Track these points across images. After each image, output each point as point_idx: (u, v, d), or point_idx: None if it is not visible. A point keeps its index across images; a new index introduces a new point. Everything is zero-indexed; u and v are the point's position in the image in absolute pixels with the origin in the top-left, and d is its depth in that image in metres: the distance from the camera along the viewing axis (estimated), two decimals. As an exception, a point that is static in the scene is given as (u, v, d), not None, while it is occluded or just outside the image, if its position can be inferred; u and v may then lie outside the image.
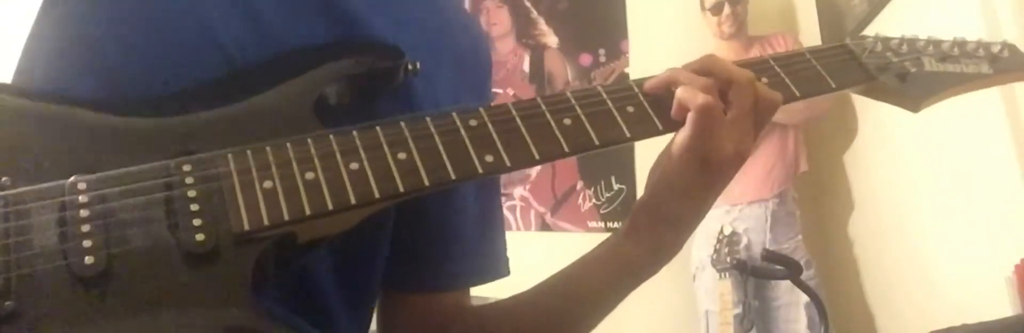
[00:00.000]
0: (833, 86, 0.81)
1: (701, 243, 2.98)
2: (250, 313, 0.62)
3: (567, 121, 0.72)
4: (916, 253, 2.56)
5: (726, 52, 3.32)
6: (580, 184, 3.46)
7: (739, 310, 2.77)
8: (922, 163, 2.53)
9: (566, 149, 0.71)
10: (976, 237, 2.20)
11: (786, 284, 2.76)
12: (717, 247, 2.84)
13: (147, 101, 0.73)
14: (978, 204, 2.20)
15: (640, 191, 3.57)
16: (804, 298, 2.62)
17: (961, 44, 0.88)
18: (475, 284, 0.91)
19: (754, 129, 0.76)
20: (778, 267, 2.27)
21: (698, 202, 0.79)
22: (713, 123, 0.73)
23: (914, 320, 2.52)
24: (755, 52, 3.30)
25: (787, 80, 0.80)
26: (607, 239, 0.83)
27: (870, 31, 0.88)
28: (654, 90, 0.76)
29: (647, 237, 0.80)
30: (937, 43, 0.88)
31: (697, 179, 0.76)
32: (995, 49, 0.89)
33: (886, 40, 0.87)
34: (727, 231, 2.90)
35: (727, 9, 3.27)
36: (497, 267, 0.92)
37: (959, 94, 0.87)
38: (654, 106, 0.74)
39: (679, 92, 0.73)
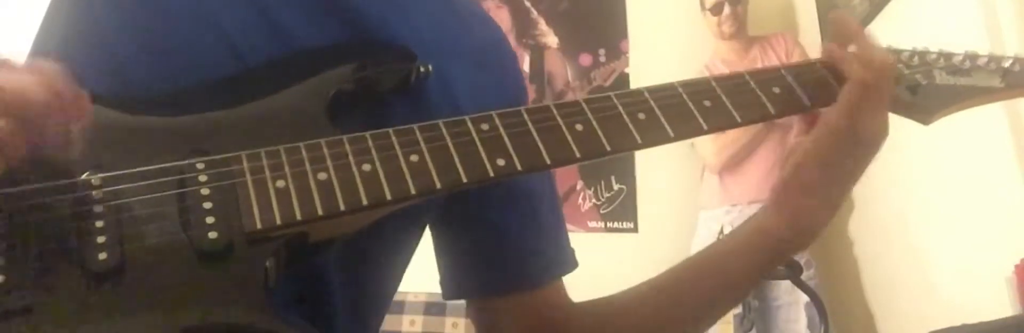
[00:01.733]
0: None
1: (701, 243, 2.99)
2: (262, 312, 0.62)
3: (579, 127, 0.72)
4: (916, 253, 2.57)
5: (726, 52, 3.32)
6: (580, 184, 3.47)
7: (739, 310, 2.78)
8: (922, 163, 2.53)
9: (578, 154, 0.71)
10: (976, 237, 2.20)
11: (786, 284, 2.76)
12: (717, 247, 2.84)
13: (159, 100, 0.73)
14: (978, 204, 2.20)
15: (640, 191, 3.57)
16: (804, 298, 2.63)
17: (973, 57, 0.88)
18: (563, 274, 0.91)
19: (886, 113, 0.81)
20: (778, 267, 2.28)
21: (846, 175, 0.83)
22: (866, 98, 0.78)
23: (914, 320, 2.52)
24: (755, 52, 3.31)
25: (798, 90, 0.80)
26: (750, 217, 0.86)
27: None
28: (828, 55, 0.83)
29: (788, 207, 0.82)
30: (948, 56, 0.88)
31: (848, 151, 0.81)
32: (1007, 63, 0.89)
33: (897, 52, 0.87)
34: (727, 231, 2.91)
35: (727, 9, 3.28)
36: (570, 257, 0.93)
37: (970, 107, 0.88)
38: (666, 113, 0.75)
39: (846, 65, 0.80)
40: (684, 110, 0.75)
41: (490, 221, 0.88)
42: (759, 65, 3.23)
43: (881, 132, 0.80)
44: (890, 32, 2.64)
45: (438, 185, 0.67)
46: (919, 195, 2.55)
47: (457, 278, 0.91)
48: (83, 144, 0.62)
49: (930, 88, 0.86)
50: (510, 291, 0.89)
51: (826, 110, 0.80)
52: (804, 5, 3.46)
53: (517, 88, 0.95)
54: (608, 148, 0.72)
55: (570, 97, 3.67)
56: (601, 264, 2.61)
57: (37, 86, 0.57)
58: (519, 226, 0.88)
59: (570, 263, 0.92)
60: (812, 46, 3.28)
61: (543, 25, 3.76)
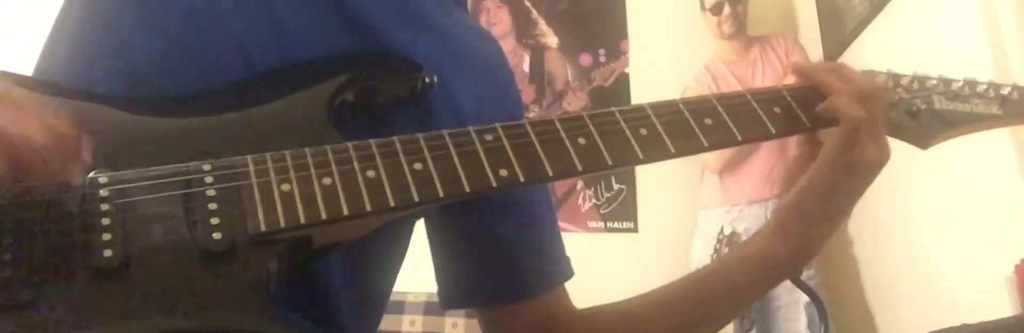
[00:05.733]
0: None
1: (701, 243, 2.99)
2: (263, 315, 0.62)
3: (581, 140, 0.73)
4: (916, 253, 2.57)
5: (726, 52, 3.33)
6: (580, 184, 3.47)
7: (739, 310, 2.78)
8: (922, 163, 2.53)
9: (580, 167, 0.72)
10: (976, 237, 2.21)
11: (786, 284, 2.75)
12: (717, 247, 2.85)
13: (167, 101, 0.73)
14: (978, 204, 2.21)
15: (640, 191, 3.57)
16: (804, 298, 2.63)
17: (972, 84, 0.91)
18: (561, 282, 0.94)
19: (884, 136, 0.83)
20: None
21: (844, 204, 0.85)
22: (860, 134, 0.80)
23: (914, 320, 2.53)
24: (755, 52, 3.31)
25: (799, 113, 0.82)
26: (748, 241, 0.90)
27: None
28: (801, 78, 0.83)
29: (793, 236, 0.86)
30: (948, 82, 0.90)
31: (843, 184, 0.83)
32: (1005, 91, 0.91)
33: (897, 76, 0.89)
34: (727, 231, 2.91)
35: (727, 9, 3.28)
36: (566, 265, 0.96)
37: (968, 133, 0.90)
38: (668, 130, 0.76)
39: (836, 102, 0.80)
40: (685, 127, 0.77)
41: (490, 231, 0.89)
42: (759, 65, 3.24)
43: (882, 158, 0.82)
44: (890, 32, 2.65)
45: (441, 194, 0.68)
46: (919, 195, 2.56)
47: (458, 287, 0.92)
48: (81, 176, 0.63)
49: (929, 113, 0.88)
50: (511, 300, 0.90)
51: (827, 144, 0.82)
52: (804, 5, 3.46)
53: (515, 103, 0.97)
54: (610, 162, 0.74)
55: (570, 97, 3.68)
56: (601, 264, 2.61)
57: (37, 128, 0.58)
58: (518, 236, 0.90)
59: (566, 271, 0.94)
60: (812, 46, 3.28)
61: (543, 25, 3.76)
